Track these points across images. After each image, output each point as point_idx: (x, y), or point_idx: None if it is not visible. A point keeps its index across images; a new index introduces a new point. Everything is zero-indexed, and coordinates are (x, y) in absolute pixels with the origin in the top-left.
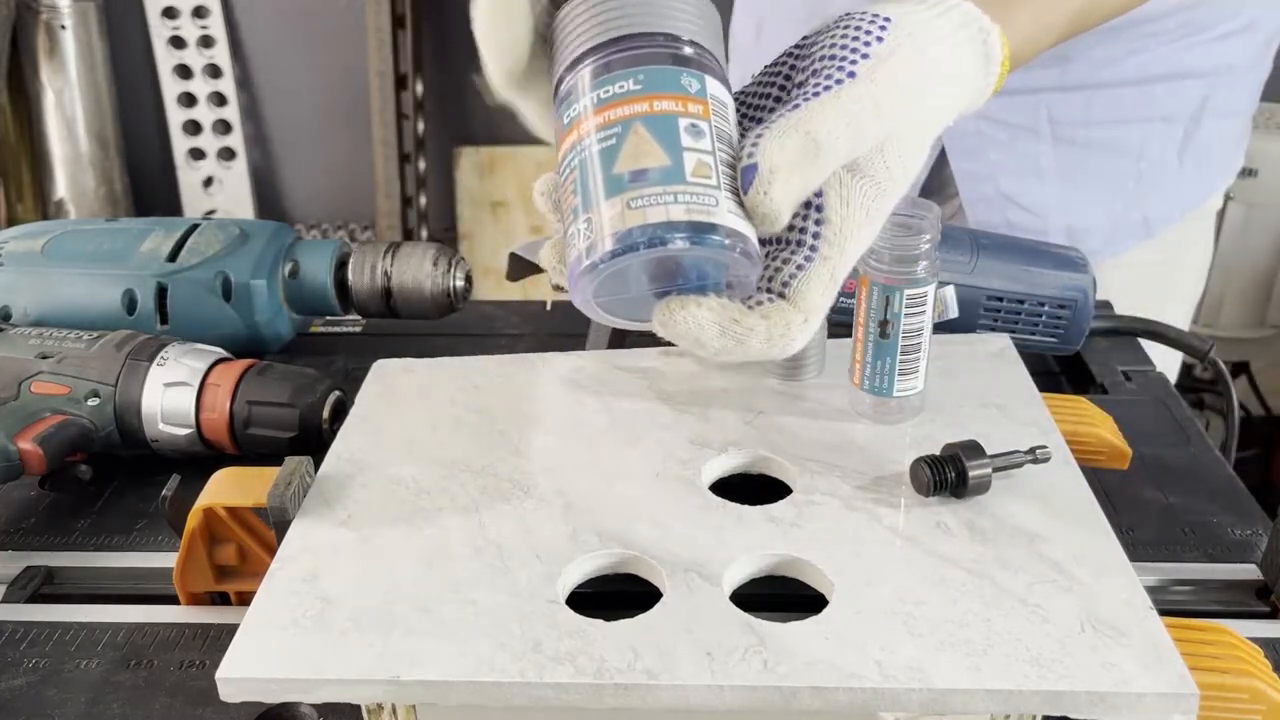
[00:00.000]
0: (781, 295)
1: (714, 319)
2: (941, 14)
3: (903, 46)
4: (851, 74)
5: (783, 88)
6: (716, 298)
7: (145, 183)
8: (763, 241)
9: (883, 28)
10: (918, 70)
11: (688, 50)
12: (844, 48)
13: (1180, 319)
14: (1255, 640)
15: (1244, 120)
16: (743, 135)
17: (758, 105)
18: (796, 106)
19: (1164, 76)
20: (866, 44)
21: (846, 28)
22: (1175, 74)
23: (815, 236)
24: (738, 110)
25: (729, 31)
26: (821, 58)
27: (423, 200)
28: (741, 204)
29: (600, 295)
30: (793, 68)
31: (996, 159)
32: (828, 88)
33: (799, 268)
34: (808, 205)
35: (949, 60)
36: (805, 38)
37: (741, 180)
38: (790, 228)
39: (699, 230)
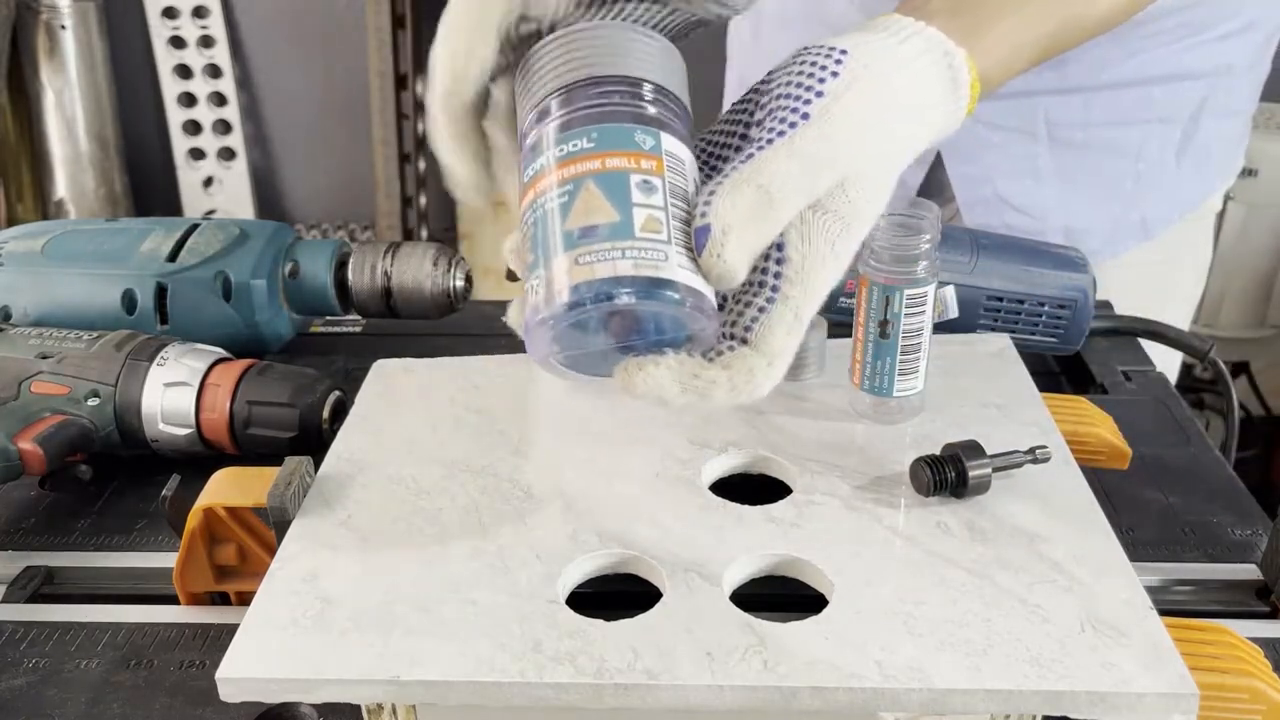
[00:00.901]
0: (744, 341)
1: (673, 377)
2: (903, 40)
3: (859, 79)
4: (805, 115)
5: (746, 125)
6: (675, 355)
7: (145, 183)
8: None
9: (839, 61)
10: (876, 101)
11: (648, 106)
12: (799, 85)
13: (1180, 319)
14: (1255, 640)
15: (1243, 121)
16: (704, 183)
17: (721, 145)
18: (750, 157)
19: (1162, 78)
20: (821, 80)
21: (802, 64)
22: (1173, 75)
23: (776, 277)
24: (703, 154)
25: (726, 33)
26: (777, 96)
27: (423, 200)
28: (695, 260)
29: (559, 350)
30: (756, 104)
31: (993, 162)
32: (781, 133)
33: (760, 310)
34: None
35: (912, 88)
36: (770, 73)
37: (695, 241)
38: (756, 269)
39: (647, 285)
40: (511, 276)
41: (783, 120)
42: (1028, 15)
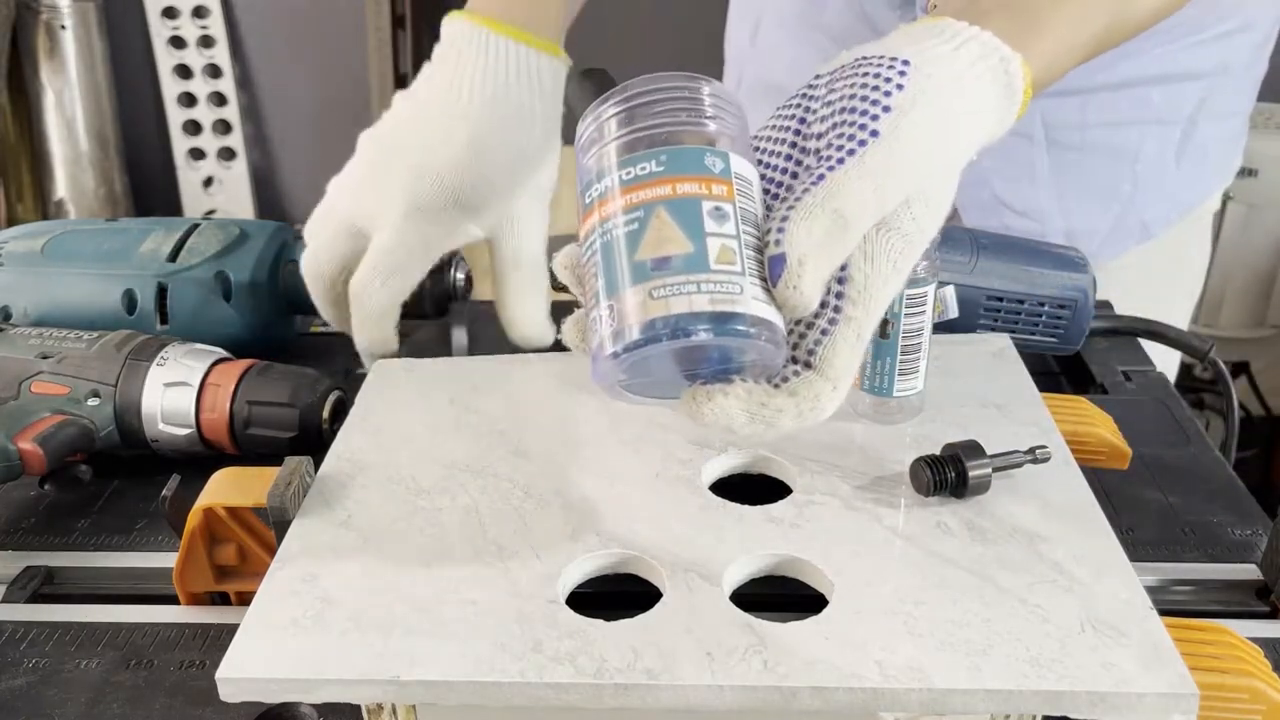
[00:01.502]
0: (808, 365)
1: (741, 406)
2: (959, 47)
3: (925, 92)
4: (875, 133)
5: (797, 132)
6: (742, 383)
7: (145, 183)
8: None
9: (902, 73)
10: (941, 115)
11: (711, 123)
12: (864, 99)
13: (1180, 318)
14: (1255, 640)
15: (1241, 121)
16: (766, 207)
17: (772, 154)
18: (820, 179)
19: (1159, 79)
20: (887, 94)
21: (865, 74)
22: (1171, 76)
23: (838, 297)
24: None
25: (724, 34)
26: (841, 109)
27: None
28: (768, 288)
29: (625, 380)
30: (807, 110)
31: (991, 164)
32: (851, 151)
33: (824, 333)
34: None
35: (969, 96)
36: (818, 77)
37: (769, 271)
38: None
39: (723, 320)
40: (558, 285)
41: (850, 138)
42: (1080, 13)
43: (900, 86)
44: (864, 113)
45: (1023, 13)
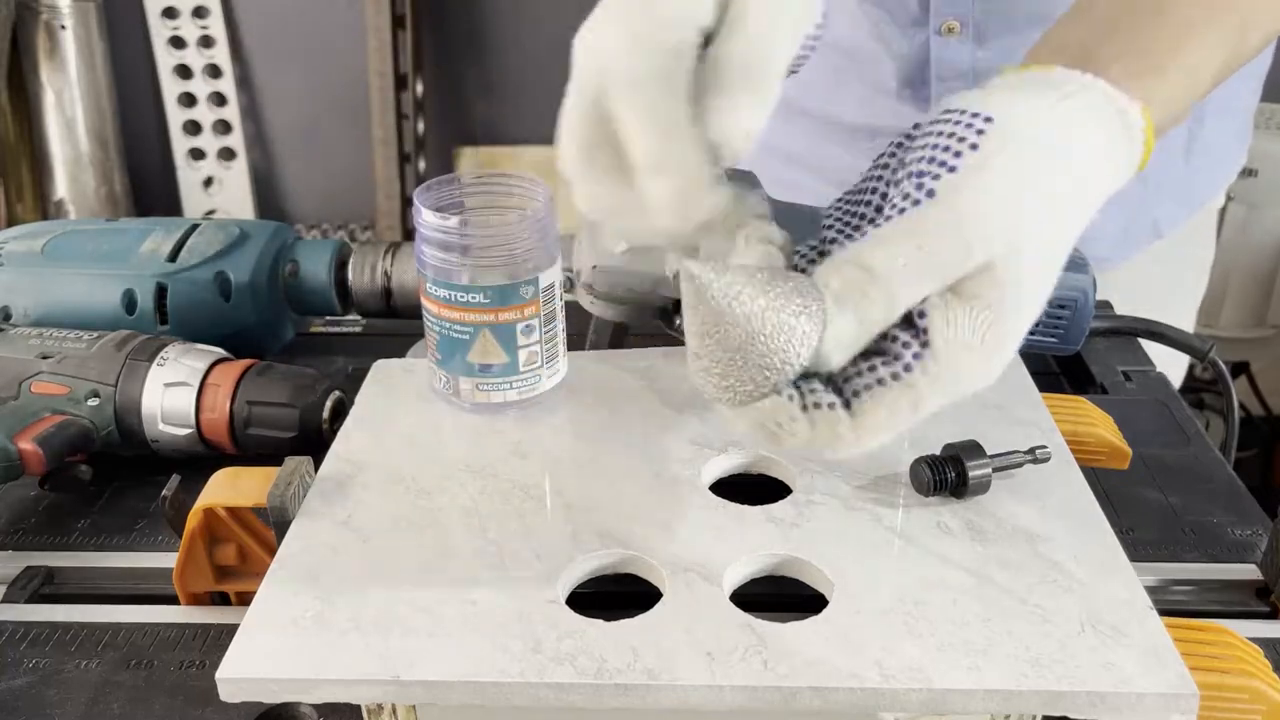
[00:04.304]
0: (846, 404)
1: (758, 418)
2: (1064, 98)
3: (1004, 151)
4: (931, 193)
5: (886, 184)
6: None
7: (145, 183)
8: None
9: (980, 131)
10: (1027, 174)
11: (529, 261)
12: (932, 160)
13: (1186, 315)
14: (1255, 640)
15: (1246, 116)
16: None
17: (858, 216)
18: (865, 235)
19: None
20: (958, 154)
21: (941, 132)
22: None
23: (915, 357)
24: (840, 220)
25: None
26: (910, 166)
27: None
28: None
29: None
30: (898, 163)
31: None
32: (902, 210)
33: (879, 382)
34: (912, 323)
35: (1075, 152)
36: (916, 126)
37: None
38: (893, 338)
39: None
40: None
41: (906, 196)
42: (1200, 53)
43: (975, 146)
44: (925, 174)
45: (1142, 56)
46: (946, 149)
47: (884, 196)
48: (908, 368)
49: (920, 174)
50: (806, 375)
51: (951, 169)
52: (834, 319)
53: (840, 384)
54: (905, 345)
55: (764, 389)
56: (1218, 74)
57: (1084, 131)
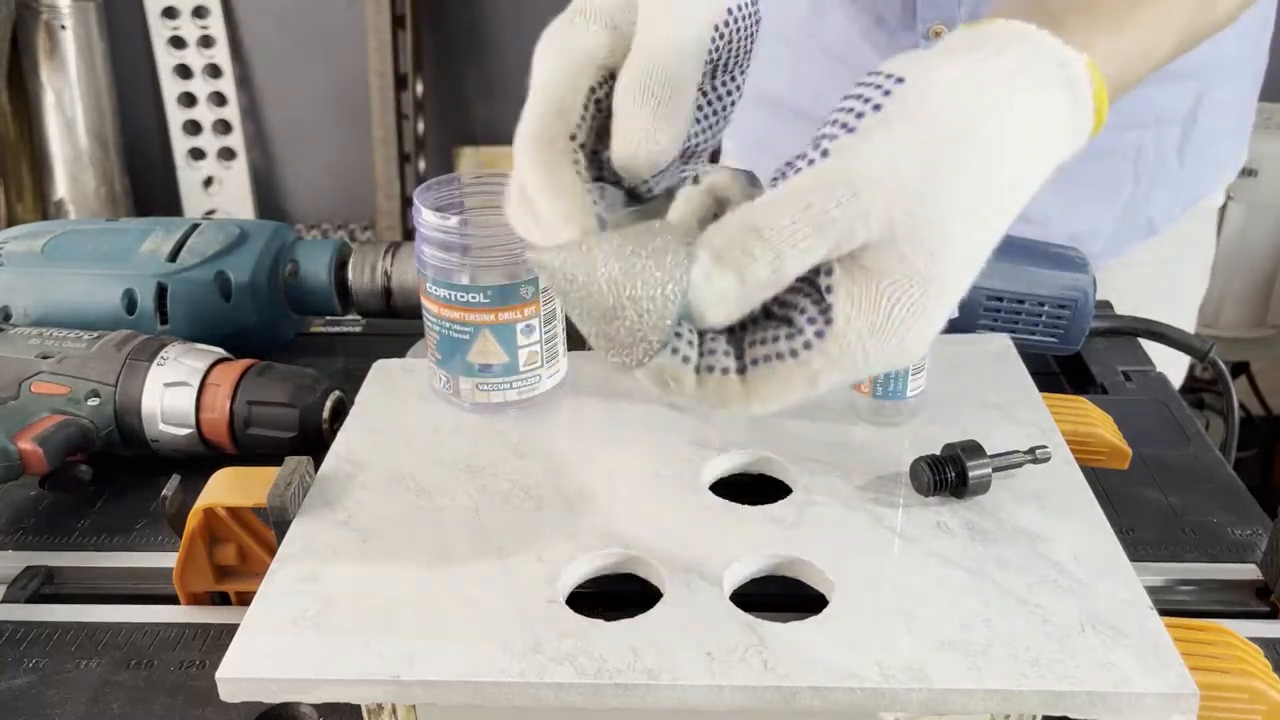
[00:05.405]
0: (741, 370)
1: (649, 371)
2: (995, 54)
3: (906, 113)
4: (825, 152)
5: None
6: (677, 341)
7: (145, 183)
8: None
9: (887, 92)
10: (925, 140)
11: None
12: (835, 122)
13: (1187, 314)
14: (1255, 640)
15: (1242, 114)
16: None
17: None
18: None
19: (1155, 78)
20: (859, 115)
21: (855, 93)
22: (1166, 75)
23: (817, 335)
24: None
25: None
26: (821, 127)
27: None
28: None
29: None
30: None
31: None
32: (798, 170)
33: (777, 356)
34: (818, 291)
35: (997, 117)
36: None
37: None
38: (801, 309)
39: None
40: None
41: (803, 157)
42: (1156, 12)
43: (878, 107)
44: (823, 136)
45: (1091, 11)
46: (851, 110)
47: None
48: (807, 345)
49: (821, 136)
50: (712, 334)
51: (850, 129)
52: (713, 277)
53: (744, 346)
54: (811, 320)
55: (649, 351)
56: (1180, 38)
57: (1010, 90)
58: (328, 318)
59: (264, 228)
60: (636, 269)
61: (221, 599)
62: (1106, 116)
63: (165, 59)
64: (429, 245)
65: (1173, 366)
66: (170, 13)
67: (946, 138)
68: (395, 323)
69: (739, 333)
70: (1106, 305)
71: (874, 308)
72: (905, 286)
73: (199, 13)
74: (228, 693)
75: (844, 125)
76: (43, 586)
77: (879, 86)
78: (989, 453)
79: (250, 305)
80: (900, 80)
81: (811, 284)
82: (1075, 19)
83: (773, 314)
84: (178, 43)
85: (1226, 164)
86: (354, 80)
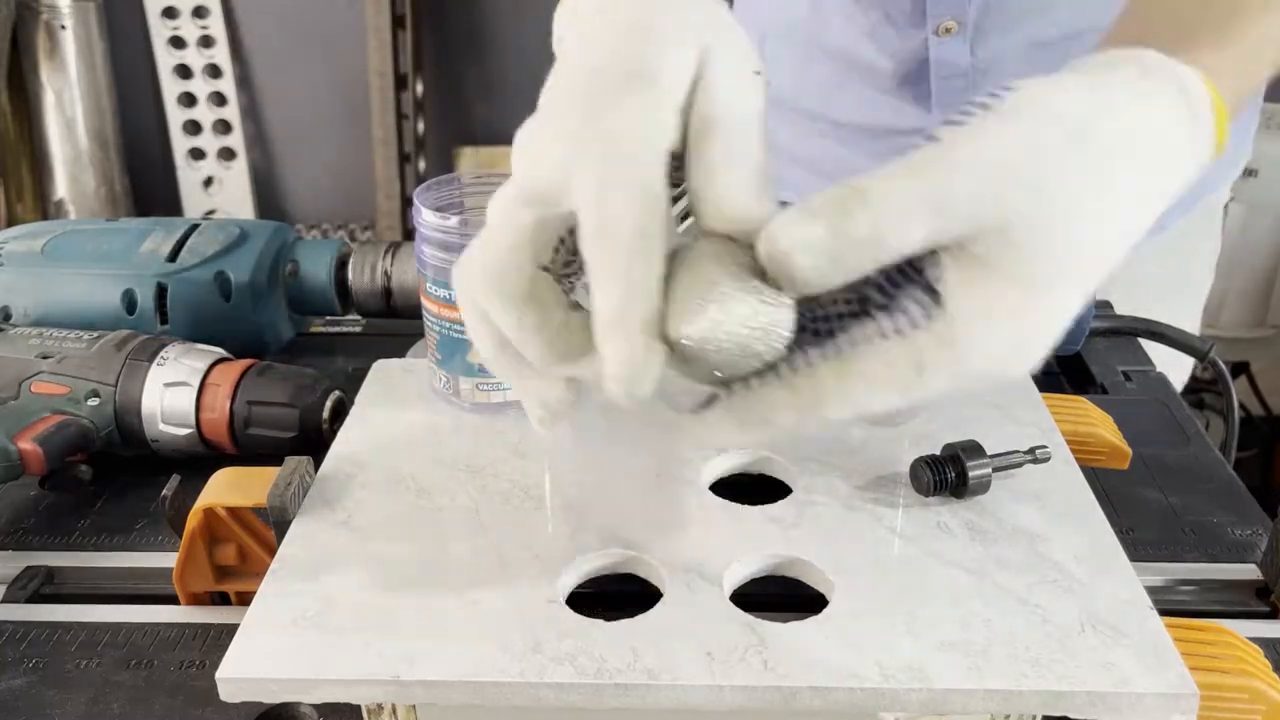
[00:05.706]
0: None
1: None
2: (1106, 69)
3: (1017, 112)
4: (935, 138)
5: None
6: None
7: (145, 183)
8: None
9: (997, 95)
10: (1039, 139)
11: None
12: (947, 122)
13: (1191, 311)
14: (1255, 640)
15: (1247, 112)
16: None
17: None
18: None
19: None
20: (970, 114)
21: (970, 102)
22: None
23: (924, 316)
24: None
25: None
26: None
27: None
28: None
29: None
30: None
31: None
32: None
33: (879, 335)
34: (926, 284)
35: (1111, 126)
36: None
37: None
38: (902, 297)
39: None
40: None
41: (914, 149)
42: (1261, 27)
43: (986, 106)
44: (933, 136)
45: (1189, 29)
46: (965, 112)
47: None
48: (914, 324)
49: (930, 135)
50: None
51: (960, 125)
52: (800, 223)
53: (841, 345)
54: (917, 302)
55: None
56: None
57: (1126, 96)
58: (328, 318)
59: (264, 228)
60: (742, 316)
61: (221, 599)
62: (1228, 137)
63: (165, 59)
64: (429, 245)
65: (1175, 367)
66: (170, 13)
67: (1065, 131)
68: (395, 323)
69: (837, 338)
70: (1106, 305)
71: (986, 294)
72: (1017, 283)
73: (199, 13)
74: (228, 693)
75: (954, 123)
76: (43, 586)
77: (994, 95)
78: (989, 453)
79: (250, 305)
80: (1010, 90)
81: (918, 277)
82: (1170, 35)
83: (872, 314)
84: (178, 43)
85: (1231, 161)
86: (354, 80)
